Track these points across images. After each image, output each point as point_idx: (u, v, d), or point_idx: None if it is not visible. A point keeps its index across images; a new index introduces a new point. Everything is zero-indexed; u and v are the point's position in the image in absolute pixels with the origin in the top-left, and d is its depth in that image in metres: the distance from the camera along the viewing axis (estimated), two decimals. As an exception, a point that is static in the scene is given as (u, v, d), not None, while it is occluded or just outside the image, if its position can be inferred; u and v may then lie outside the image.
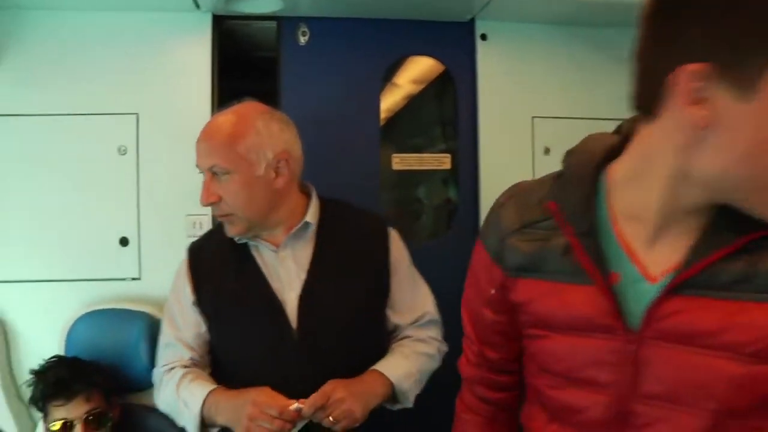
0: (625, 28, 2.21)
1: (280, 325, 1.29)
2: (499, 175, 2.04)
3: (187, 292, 1.37)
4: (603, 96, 2.09)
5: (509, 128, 2.08)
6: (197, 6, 1.88)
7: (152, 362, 1.72)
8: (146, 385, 1.79)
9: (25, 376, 1.78)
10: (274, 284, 1.32)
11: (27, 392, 1.65)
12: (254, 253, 1.35)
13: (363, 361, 1.32)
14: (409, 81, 2.29)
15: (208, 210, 1.86)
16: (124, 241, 1.90)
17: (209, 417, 1.27)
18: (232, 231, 1.32)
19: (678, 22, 0.62)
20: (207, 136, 1.30)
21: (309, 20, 2.02)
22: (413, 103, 2.37)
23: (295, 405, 1.18)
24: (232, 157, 1.26)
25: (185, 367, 1.35)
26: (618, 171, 0.78)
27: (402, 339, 1.40)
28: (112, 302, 1.83)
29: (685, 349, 0.70)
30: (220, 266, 1.36)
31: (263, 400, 1.19)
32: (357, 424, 1.23)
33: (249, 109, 1.32)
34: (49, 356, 1.64)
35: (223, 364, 1.38)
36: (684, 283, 0.70)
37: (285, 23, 2.02)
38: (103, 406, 1.56)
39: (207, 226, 1.91)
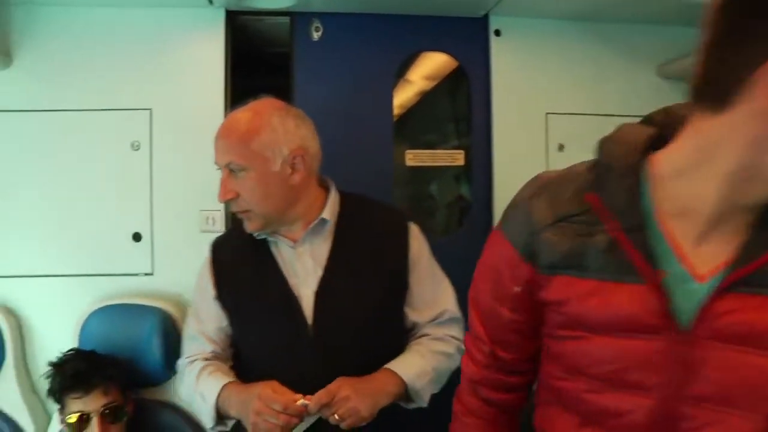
0: (640, 24, 2.21)
1: (296, 322, 1.29)
2: (512, 172, 2.03)
3: (209, 287, 1.38)
4: (618, 92, 2.09)
5: (523, 124, 2.07)
6: (210, 2, 1.88)
7: (165, 358, 1.75)
8: (159, 380, 1.81)
9: (39, 370, 1.80)
10: (291, 280, 1.32)
11: (43, 385, 1.67)
12: (273, 249, 1.36)
13: (379, 359, 1.31)
14: (422, 77, 2.28)
15: (221, 205, 1.88)
16: (137, 237, 1.91)
17: (224, 410, 1.28)
18: (250, 227, 1.32)
19: (764, 18, 0.60)
20: (223, 133, 1.30)
21: (322, 16, 2.01)
22: (426, 99, 2.35)
23: (301, 400, 1.18)
24: (247, 153, 1.26)
25: (206, 359, 1.36)
26: (664, 163, 0.74)
27: (420, 337, 1.38)
28: (125, 297, 1.84)
29: (739, 349, 0.69)
30: (240, 262, 1.37)
31: (268, 394, 1.19)
32: (364, 423, 1.22)
33: (265, 105, 1.31)
34: (64, 350, 1.65)
35: (243, 359, 1.39)
36: (737, 282, 0.68)
37: (298, 19, 2.01)
38: (120, 400, 1.58)
39: (220, 221, 1.92)
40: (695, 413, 0.72)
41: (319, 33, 2.01)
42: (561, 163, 0.87)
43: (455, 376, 1.38)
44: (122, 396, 1.59)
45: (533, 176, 0.88)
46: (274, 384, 1.22)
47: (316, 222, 1.33)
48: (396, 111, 2.09)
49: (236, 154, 1.26)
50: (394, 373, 1.29)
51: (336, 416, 1.19)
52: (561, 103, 2.08)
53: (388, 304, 1.35)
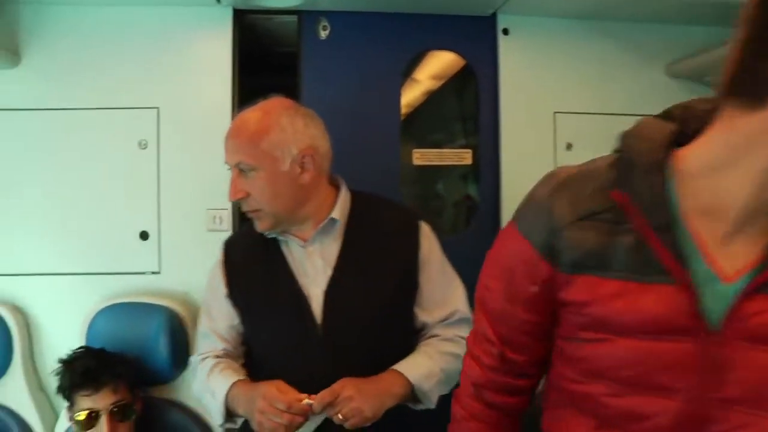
0: (649, 23, 2.19)
1: (305, 321, 1.29)
2: (520, 171, 2.02)
3: (220, 286, 1.38)
4: (626, 91, 2.08)
5: (531, 123, 2.06)
6: (218, 0, 1.88)
7: (172, 356, 1.76)
8: (166, 379, 1.81)
9: (46, 369, 1.81)
10: (301, 279, 1.32)
11: (50, 383, 1.67)
12: (283, 248, 1.36)
13: (388, 359, 1.31)
14: (429, 76, 2.27)
15: (228, 204, 1.88)
16: (144, 235, 1.91)
17: (232, 407, 1.29)
18: (260, 226, 1.32)
19: None
20: (233, 133, 1.30)
21: (330, 14, 2.00)
22: (434, 98, 2.35)
23: (305, 400, 1.18)
24: (256, 153, 1.26)
25: (217, 357, 1.37)
26: (691, 159, 0.72)
27: (429, 338, 1.37)
28: (132, 296, 1.85)
29: None
30: (251, 261, 1.37)
31: (273, 393, 1.19)
32: (368, 423, 1.21)
33: (274, 105, 1.31)
34: (72, 348, 1.65)
35: (254, 357, 1.40)
36: (766, 284, 0.68)
37: (306, 18, 2.01)
38: (129, 398, 1.58)
39: (227, 220, 1.92)
40: (726, 416, 0.70)
41: (327, 32, 2.01)
42: (569, 162, 0.84)
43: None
44: (131, 394, 1.60)
45: (546, 173, 0.85)
46: (279, 383, 1.22)
47: (325, 221, 1.32)
48: (403, 110, 2.08)
49: (246, 154, 1.26)
50: (401, 374, 1.28)
51: (339, 416, 1.19)
52: (569, 102, 2.07)
53: (398, 303, 1.35)
